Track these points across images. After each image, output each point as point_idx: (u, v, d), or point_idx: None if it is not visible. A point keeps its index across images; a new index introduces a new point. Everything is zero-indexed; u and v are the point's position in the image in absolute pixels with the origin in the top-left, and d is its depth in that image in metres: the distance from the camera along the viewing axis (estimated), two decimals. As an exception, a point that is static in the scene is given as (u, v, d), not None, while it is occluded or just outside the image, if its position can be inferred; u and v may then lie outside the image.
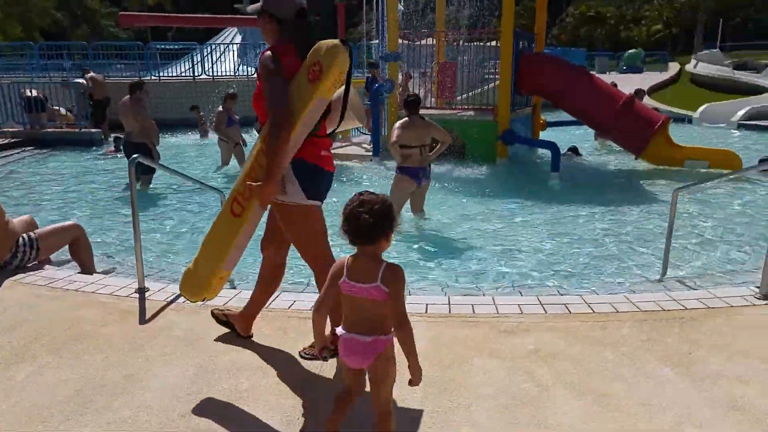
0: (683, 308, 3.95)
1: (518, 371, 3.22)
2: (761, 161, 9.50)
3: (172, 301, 4.18)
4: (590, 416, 2.81)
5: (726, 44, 31.73)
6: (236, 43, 23.94)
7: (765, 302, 4.01)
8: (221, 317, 3.68)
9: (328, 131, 3.22)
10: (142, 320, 3.89)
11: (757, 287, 4.23)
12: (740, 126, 15.95)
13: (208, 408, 2.93)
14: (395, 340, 2.31)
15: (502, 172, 10.10)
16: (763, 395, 2.95)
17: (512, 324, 3.78)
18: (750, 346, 3.43)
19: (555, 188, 9.31)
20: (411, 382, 2.30)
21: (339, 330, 2.34)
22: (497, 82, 11.25)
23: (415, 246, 6.33)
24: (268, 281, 3.54)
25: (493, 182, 9.44)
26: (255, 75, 17.32)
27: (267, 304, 3.74)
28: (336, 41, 2.97)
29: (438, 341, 3.56)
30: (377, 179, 9.75)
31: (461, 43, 12.92)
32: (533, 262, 5.82)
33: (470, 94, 12.44)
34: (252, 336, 3.63)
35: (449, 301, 4.09)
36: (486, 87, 12.03)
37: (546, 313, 3.94)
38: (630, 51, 31.68)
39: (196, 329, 3.73)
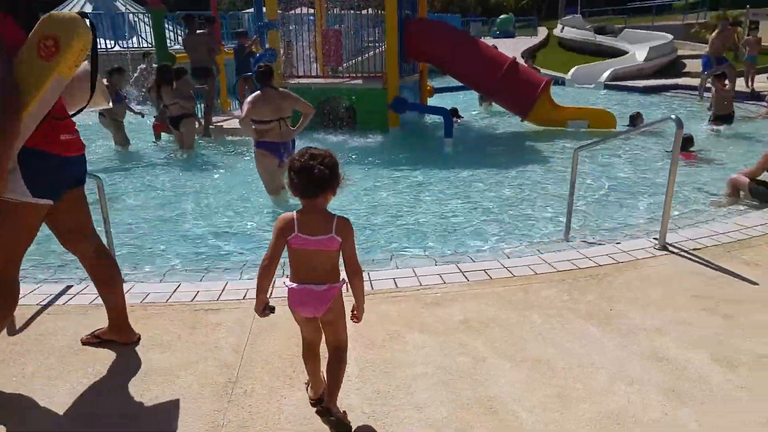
0: (596, 265, 4.06)
1: (452, 344, 3.12)
2: (632, 117, 10.15)
3: (48, 304, 3.65)
4: (529, 384, 2.77)
5: (585, 10, 33.68)
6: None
7: (664, 252, 4.21)
8: (93, 341, 3.22)
9: (72, 112, 2.81)
10: (12, 331, 3.35)
11: (655, 239, 4.45)
12: (606, 86, 17.06)
13: (113, 424, 2.55)
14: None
15: (395, 141, 10.02)
16: (681, 344, 3.07)
17: (437, 295, 3.67)
18: (660, 297, 3.57)
19: (449, 154, 9.37)
20: (354, 318, 2.50)
21: (288, 283, 2.38)
22: (380, 49, 11.09)
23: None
24: (100, 279, 3.12)
25: (388, 151, 9.33)
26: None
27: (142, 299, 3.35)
28: (73, 14, 2.52)
29: (366, 320, 3.35)
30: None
31: (340, 10, 12.54)
32: (439, 229, 5.78)
33: (354, 61, 12.16)
34: (139, 338, 3.24)
35: (369, 277, 3.91)
36: (368, 54, 11.81)
37: (468, 281, 3.88)
38: (502, 16, 32.86)
39: (84, 334, 3.26)
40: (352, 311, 2.49)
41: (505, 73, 10.44)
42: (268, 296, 2.40)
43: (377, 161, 8.69)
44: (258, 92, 6.09)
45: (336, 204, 6.90)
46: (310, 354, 2.59)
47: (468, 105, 13.39)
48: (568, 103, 11.78)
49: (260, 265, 2.37)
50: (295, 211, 2.36)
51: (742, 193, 6.00)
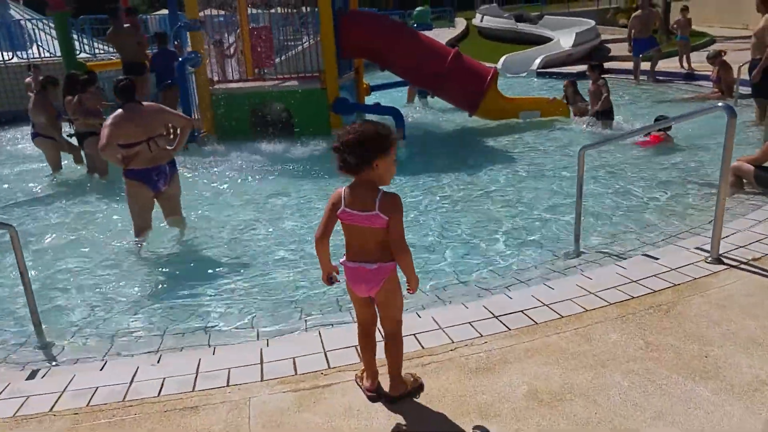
0: (650, 290, 3.35)
1: (531, 435, 2.29)
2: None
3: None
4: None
5: (499, -1, 33.79)
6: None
7: (722, 267, 3.57)
8: None
9: None
10: None
11: (699, 249, 3.83)
12: (538, 74, 16.81)
13: None
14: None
15: (341, 146, 9.03)
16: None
17: (480, 356, 2.84)
18: (758, 331, 2.89)
19: (405, 156, 8.52)
20: (410, 290, 2.43)
21: (343, 261, 2.44)
22: (310, 46, 10.10)
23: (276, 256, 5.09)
24: None
25: (333, 158, 8.33)
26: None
27: None
28: None
29: (404, 410, 2.49)
30: (190, 172, 8.06)
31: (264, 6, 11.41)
32: (420, 250, 4.87)
33: (283, 57, 11.06)
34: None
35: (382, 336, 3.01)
36: (296, 50, 10.76)
37: (509, 329, 3.06)
38: (418, 9, 32.23)
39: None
40: (409, 285, 2.42)
41: (449, 65, 9.71)
42: (332, 265, 2.47)
43: (324, 171, 7.74)
44: (119, 111, 4.82)
45: (279, 217, 6.06)
46: (365, 337, 2.61)
47: (399, 101, 12.62)
48: (505, 94, 11.19)
49: (315, 238, 2.42)
50: (346, 185, 2.38)
51: (745, 181, 5.53)
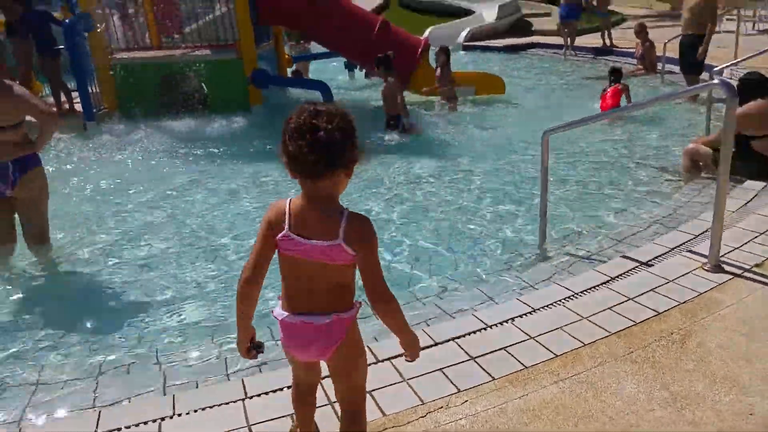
0: (654, 312, 2.73)
1: None
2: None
3: None
4: None
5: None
6: None
7: (727, 277, 3.00)
8: None
9: None
10: None
11: (691, 252, 3.27)
12: (464, 47, 16.23)
13: None
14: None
15: (262, 123, 8.01)
16: None
17: (462, 425, 2.10)
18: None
19: None
20: (409, 357, 1.79)
21: (278, 311, 1.69)
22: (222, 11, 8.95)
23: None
24: None
25: (254, 136, 7.35)
26: None
27: None
28: None
29: None
30: (86, 158, 6.85)
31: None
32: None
33: (192, 27, 9.81)
34: None
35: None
36: (207, 18, 9.55)
37: (493, 378, 2.33)
38: (337, -23, 31.05)
39: None
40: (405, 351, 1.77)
41: (377, 35, 8.85)
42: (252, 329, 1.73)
43: (245, 153, 6.76)
44: None
45: (188, 211, 4.75)
46: (303, 401, 1.91)
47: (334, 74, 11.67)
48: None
49: (240, 279, 1.65)
50: (290, 198, 1.61)
51: (701, 164, 5.10)
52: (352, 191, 5.23)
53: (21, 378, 2.76)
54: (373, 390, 2.28)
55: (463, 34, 16.66)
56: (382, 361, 2.49)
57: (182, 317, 3.41)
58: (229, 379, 2.56)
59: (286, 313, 1.66)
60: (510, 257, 3.93)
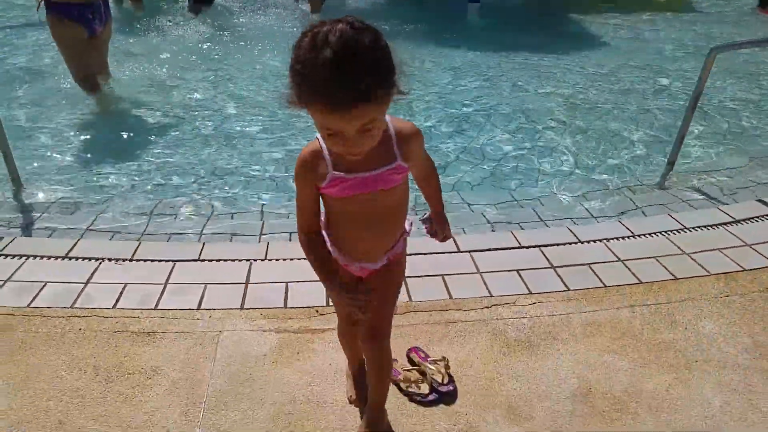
0: (765, 260, 2.52)
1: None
2: None
3: None
4: None
5: None
6: None
7: None
8: None
9: None
10: None
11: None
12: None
13: None
14: None
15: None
16: None
17: (523, 323, 2.15)
18: None
19: (476, 25, 7.13)
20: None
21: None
22: None
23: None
24: None
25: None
26: None
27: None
28: None
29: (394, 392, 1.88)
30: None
31: None
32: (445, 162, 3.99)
33: None
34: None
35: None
36: None
37: (568, 289, 2.34)
38: None
39: None
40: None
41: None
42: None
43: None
44: None
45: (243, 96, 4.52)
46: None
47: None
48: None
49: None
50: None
51: None
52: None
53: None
54: (447, 274, 2.39)
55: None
56: (463, 252, 2.56)
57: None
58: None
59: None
60: (629, 179, 3.69)
